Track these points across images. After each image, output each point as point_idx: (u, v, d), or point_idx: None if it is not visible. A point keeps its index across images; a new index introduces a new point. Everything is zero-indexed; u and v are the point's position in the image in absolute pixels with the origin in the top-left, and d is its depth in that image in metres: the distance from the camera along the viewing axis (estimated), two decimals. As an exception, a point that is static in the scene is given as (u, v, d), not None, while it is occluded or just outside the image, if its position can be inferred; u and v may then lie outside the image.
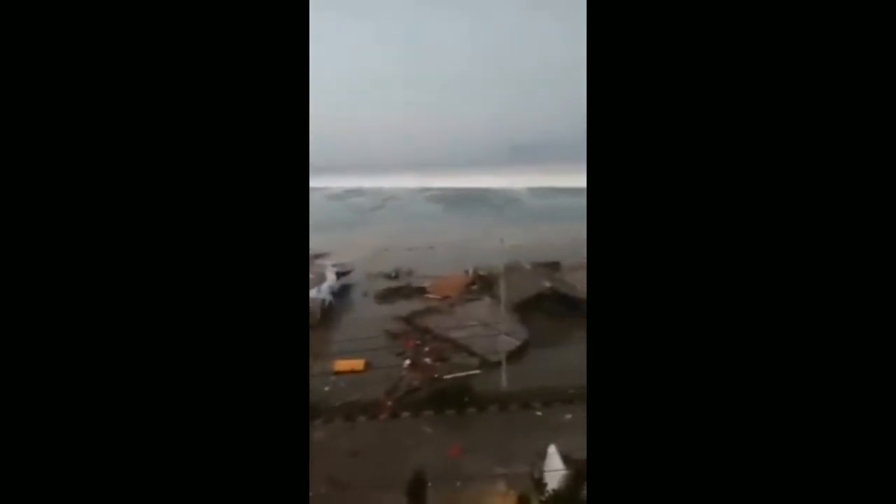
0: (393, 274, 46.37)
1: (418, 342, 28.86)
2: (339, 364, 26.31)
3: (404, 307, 36.47)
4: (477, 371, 25.33)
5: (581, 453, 13.87)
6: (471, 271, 43.89)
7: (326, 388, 24.16)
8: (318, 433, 20.09)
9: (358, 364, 26.20)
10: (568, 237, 54.08)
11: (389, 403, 22.10)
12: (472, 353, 26.98)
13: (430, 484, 14.37)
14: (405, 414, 21.47)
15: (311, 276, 39.77)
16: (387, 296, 40.18)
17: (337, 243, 61.83)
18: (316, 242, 61.36)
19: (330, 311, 36.26)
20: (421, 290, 40.43)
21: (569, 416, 20.63)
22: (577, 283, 36.83)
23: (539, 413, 21.25)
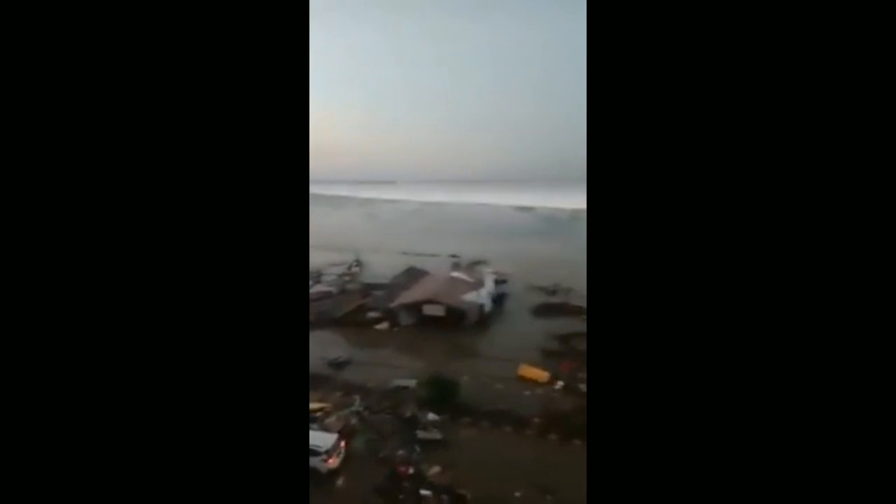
0: (551, 289, 45.42)
1: (573, 365, 27.64)
2: (525, 370, 26.28)
3: (561, 325, 35.40)
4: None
5: None
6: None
7: (498, 387, 24.67)
8: (466, 431, 20.71)
9: (542, 375, 25.82)
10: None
11: (537, 420, 21.61)
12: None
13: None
14: (552, 436, 20.74)
15: (471, 280, 41.28)
16: (543, 311, 39.51)
17: (496, 252, 63.19)
18: (477, 250, 63.60)
19: (486, 316, 37.13)
20: (580, 311, 38.75)
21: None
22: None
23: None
